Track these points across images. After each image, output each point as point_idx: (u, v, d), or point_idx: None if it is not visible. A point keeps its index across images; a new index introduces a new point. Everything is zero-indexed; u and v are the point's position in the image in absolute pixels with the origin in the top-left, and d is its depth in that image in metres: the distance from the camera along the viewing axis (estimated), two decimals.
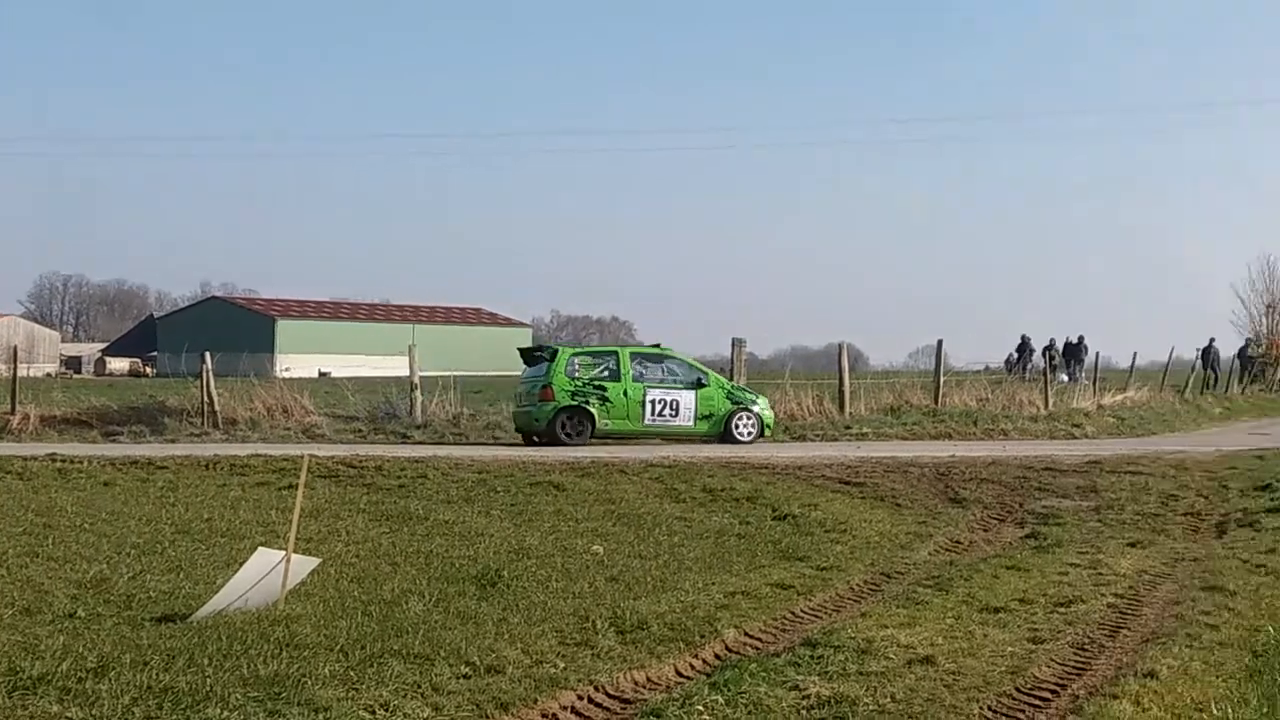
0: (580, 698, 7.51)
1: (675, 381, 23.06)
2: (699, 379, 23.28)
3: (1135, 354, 38.92)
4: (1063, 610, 9.82)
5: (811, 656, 8.16)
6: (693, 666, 8.31)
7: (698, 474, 15.97)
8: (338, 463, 15.57)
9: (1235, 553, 12.27)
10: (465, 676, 7.56)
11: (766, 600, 10.14)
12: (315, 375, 53.93)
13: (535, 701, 7.22)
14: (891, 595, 10.44)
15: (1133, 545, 12.89)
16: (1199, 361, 40.92)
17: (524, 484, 14.95)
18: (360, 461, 15.74)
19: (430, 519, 12.99)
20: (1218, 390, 40.62)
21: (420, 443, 20.91)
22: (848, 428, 24.88)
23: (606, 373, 22.67)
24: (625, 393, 22.45)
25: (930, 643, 8.62)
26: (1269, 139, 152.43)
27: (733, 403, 23.24)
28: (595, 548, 11.91)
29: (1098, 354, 39.22)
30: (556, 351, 23.02)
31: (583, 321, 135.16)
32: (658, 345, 24.59)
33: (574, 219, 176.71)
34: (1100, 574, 11.28)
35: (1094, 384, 33.60)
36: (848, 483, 16.43)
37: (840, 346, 27.86)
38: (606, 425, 22.35)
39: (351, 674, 7.40)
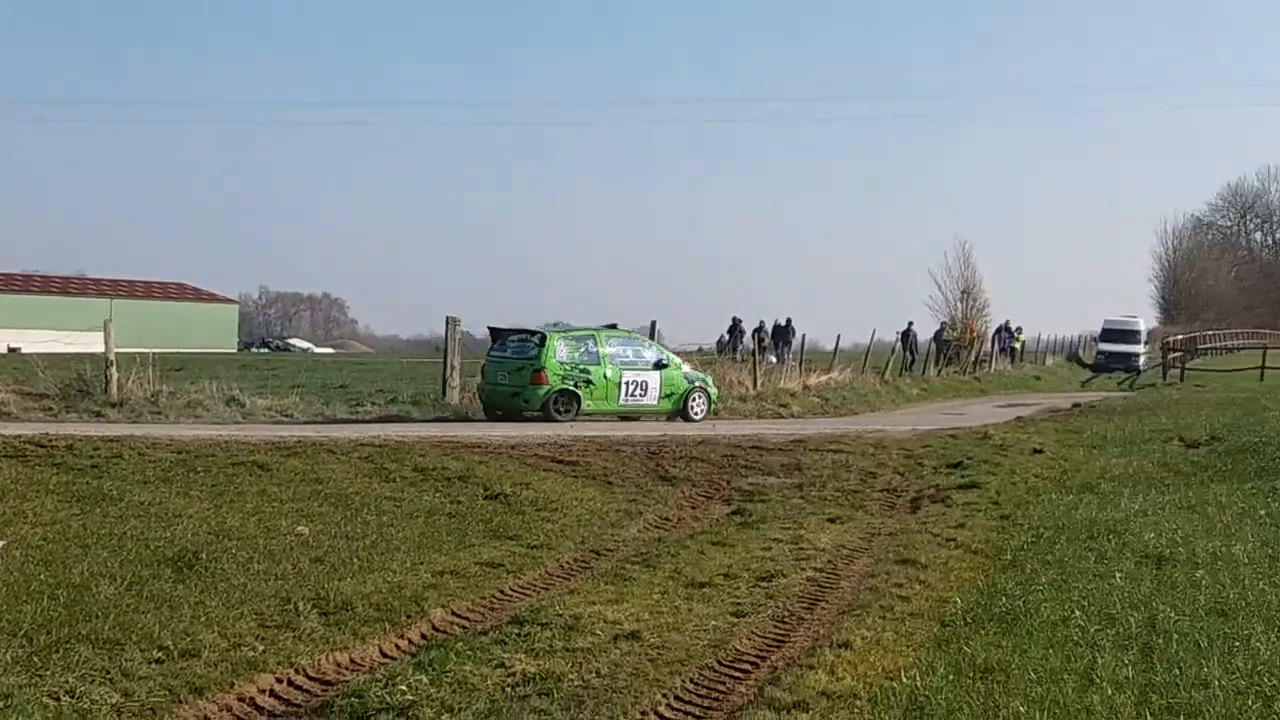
0: (280, 680, 7.34)
1: (644, 363, 24.52)
2: (661, 360, 24.88)
3: (839, 336, 40.28)
4: (765, 584, 10.05)
5: (519, 634, 8.15)
6: (398, 647, 8.21)
7: (409, 453, 15.74)
8: (25, 442, 14.70)
9: (927, 527, 12.78)
10: (158, 661, 7.31)
11: (476, 579, 10.07)
12: (4, 351, 51.32)
13: (232, 685, 7.02)
14: (600, 572, 10.50)
15: (833, 521, 13.29)
16: (899, 344, 42.61)
17: (226, 464, 14.42)
18: (50, 440, 14.91)
19: (125, 500, 12.40)
20: (915, 372, 42.32)
21: (116, 421, 19.99)
22: None
23: (588, 356, 23.69)
24: (605, 375, 23.71)
25: (637, 618, 8.70)
26: (944, 135, 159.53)
27: (689, 382, 25.17)
28: (300, 528, 11.59)
29: (804, 336, 40.35)
30: (545, 336, 23.53)
31: (293, 298, 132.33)
32: (614, 325, 25.29)
33: (288, 193, 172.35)
34: (801, 549, 11.58)
35: (800, 365, 34.62)
36: (560, 461, 16.46)
37: (552, 327, 27.91)
38: (589, 406, 23.56)
39: (35, 660, 7.09)
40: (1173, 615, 8.60)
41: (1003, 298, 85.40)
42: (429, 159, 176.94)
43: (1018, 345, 53.19)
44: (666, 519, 13.72)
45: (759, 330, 42.41)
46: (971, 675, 7.32)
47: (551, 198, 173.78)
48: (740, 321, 43.91)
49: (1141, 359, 59.03)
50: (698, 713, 6.94)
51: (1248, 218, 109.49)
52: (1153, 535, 11.53)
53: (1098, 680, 7.19)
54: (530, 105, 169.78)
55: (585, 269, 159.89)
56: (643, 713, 6.83)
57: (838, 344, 39.84)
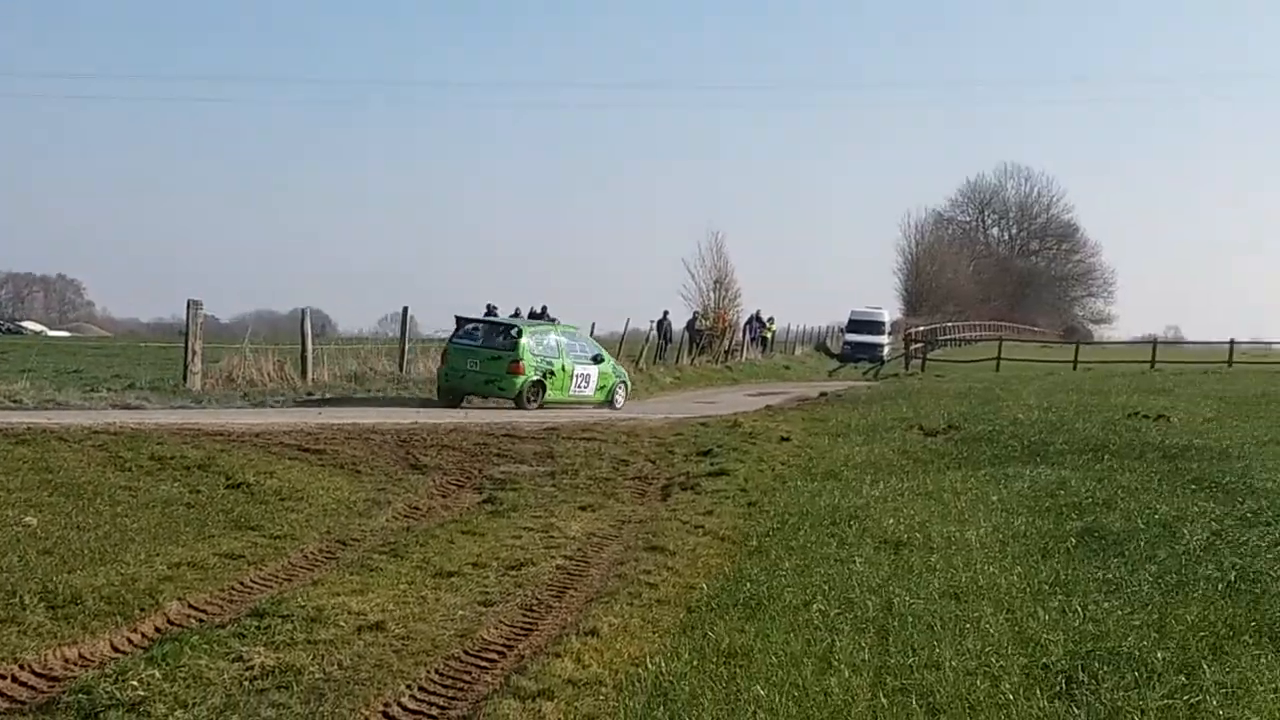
0: (3, 676, 6.97)
1: (587, 358, 26.91)
2: (598, 355, 27.45)
3: (594, 325, 40.47)
4: (514, 573, 10.00)
5: (258, 626, 7.93)
6: (130, 641, 7.89)
7: (146, 441, 15.14)
8: None
9: (677, 514, 12.90)
10: None
11: (215, 571, 9.73)
12: None
13: None
14: (346, 563, 10.28)
15: (584, 509, 13.31)
16: (654, 332, 43.08)
17: None
18: None
19: None
20: (669, 360, 42.84)
21: None
22: (310, 394, 24.46)
23: (550, 349, 25.77)
24: (564, 367, 25.87)
25: (382, 609, 8.57)
26: (700, 125, 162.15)
27: (615, 376, 27.91)
28: (28, 519, 11.02)
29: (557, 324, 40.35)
30: (521, 330, 25.48)
31: (25, 279, 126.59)
32: (555, 321, 28.60)
33: (20, 170, 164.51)
34: (552, 537, 11.57)
35: None
36: (307, 449, 16.06)
37: (303, 312, 27.37)
38: (551, 395, 25.50)
39: None
40: (908, 599, 8.86)
41: (755, 288, 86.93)
42: (169, 136, 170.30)
43: (769, 335, 54.41)
44: (416, 508, 13.52)
45: (514, 317, 42.25)
46: (715, 660, 7.41)
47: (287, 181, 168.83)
48: (495, 309, 43.71)
49: (885, 349, 61.03)
50: (442, 703, 6.85)
51: (985, 213, 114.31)
52: (892, 521, 11.87)
53: (836, 663, 7.36)
54: (262, 81, 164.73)
55: (332, 253, 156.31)
56: (385, 705, 6.72)
57: (592, 332, 40.00)
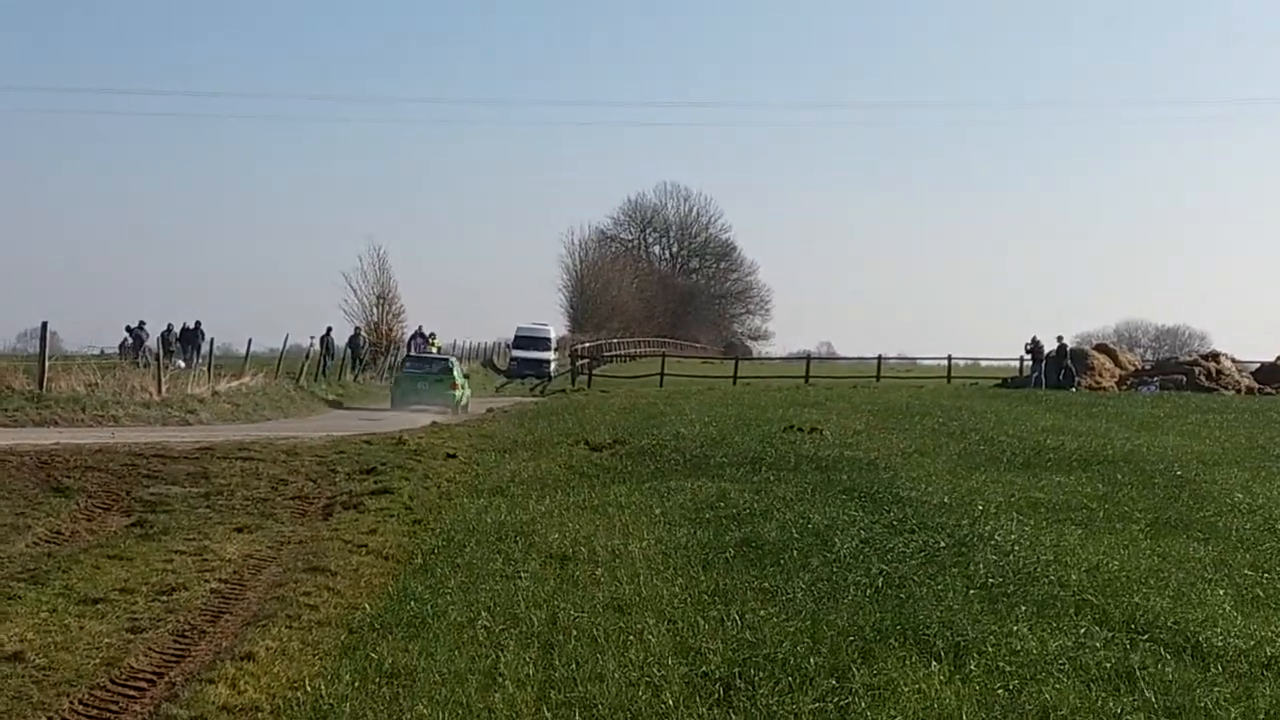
0: None
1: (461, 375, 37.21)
2: (465, 372, 38.72)
3: (251, 340, 39.51)
4: (165, 598, 9.60)
5: None
6: None
7: None
8: None
9: (339, 534, 12.62)
10: None
11: None
12: None
13: None
14: None
15: (240, 530, 12.85)
16: (316, 348, 42.23)
17: None
18: None
19: None
20: (332, 377, 42.05)
21: None
22: None
23: (459, 371, 37.18)
24: (464, 383, 36.31)
25: (21, 638, 8.14)
26: (364, 141, 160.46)
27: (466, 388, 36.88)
28: None
29: (212, 340, 39.08)
30: (451, 361, 38.26)
31: None
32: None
33: None
34: (206, 560, 11.15)
35: (210, 370, 33.51)
36: None
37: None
38: (463, 404, 34.84)
39: None
40: (573, 612, 8.92)
41: (420, 304, 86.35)
42: None
43: (434, 350, 54.12)
44: (59, 532, 12.78)
45: (166, 333, 40.68)
46: (378, 680, 7.28)
47: None
48: (144, 325, 41.99)
49: (552, 365, 61.50)
50: None
51: (647, 231, 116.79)
52: (558, 536, 11.93)
53: (500, 679, 7.32)
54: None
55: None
56: None
57: (250, 348, 38.98)
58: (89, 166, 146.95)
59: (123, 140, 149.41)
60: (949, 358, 51.72)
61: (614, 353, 75.18)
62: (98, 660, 7.82)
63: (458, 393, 34.27)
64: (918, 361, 64.94)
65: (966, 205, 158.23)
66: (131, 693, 7.27)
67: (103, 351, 40.71)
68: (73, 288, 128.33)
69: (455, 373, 35.62)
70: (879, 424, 22.45)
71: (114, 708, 6.99)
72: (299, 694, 7.02)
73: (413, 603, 9.27)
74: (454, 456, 19.18)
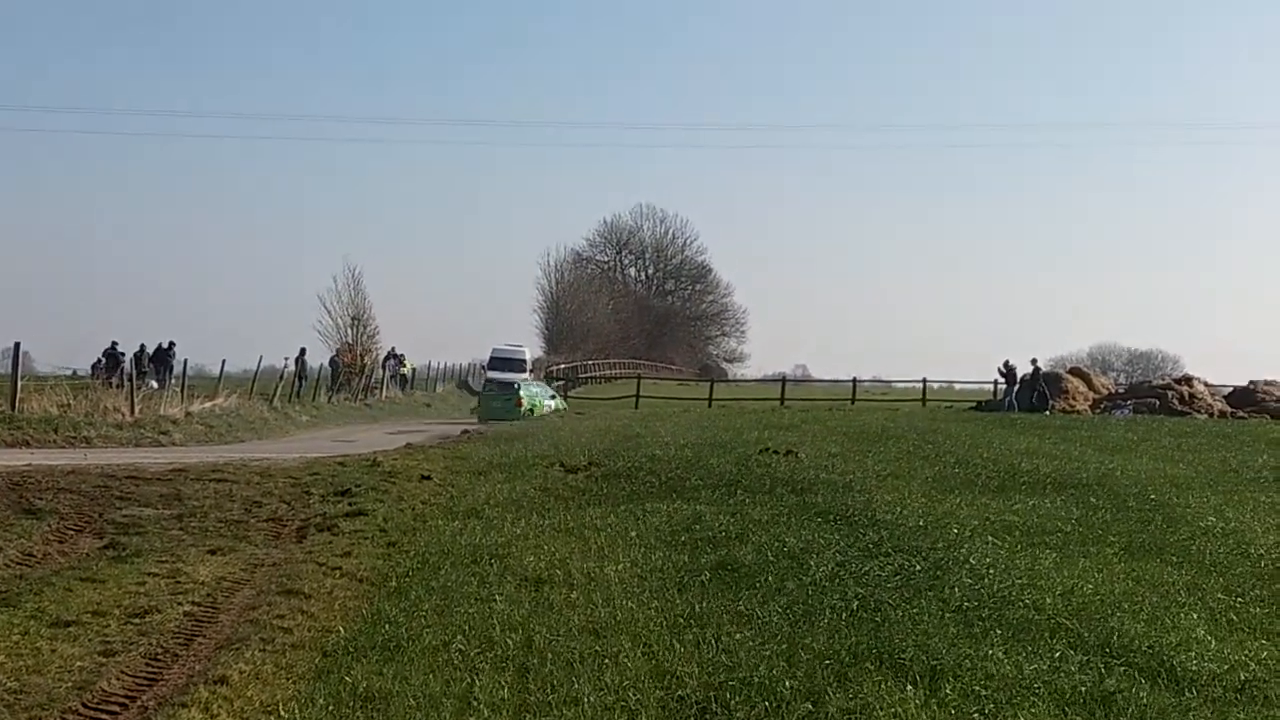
0: None
1: (546, 395, 45.29)
2: (552, 394, 47.16)
3: (225, 361, 39.37)
4: (138, 621, 9.55)
5: None
6: None
7: None
8: None
9: (314, 556, 12.56)
10: None
11: None
12: None
13: None
14: None
15: (214, 553, 12.78)
16: (290, 369, 42.09)
17: None
18: None
19: None
20: (306, 398, 41.92)
21: None
22: None
23: (533, 392, 43.76)
24: (530, 397, 42.78)
25: None
26: (336, 161, 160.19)
27: (547, 398, 45.00)
28: None
29: (185, 361, 38.89)
30: (519, 384, 44.11)
31: None
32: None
33: None
34: (179, 582, 11.08)
35: (184, 391, 33.39)
36: None
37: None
38: (532, 415, 40.48)
39: None
40: (549, 636, 8.88)
41: (393, 325, 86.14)
42: None
43: (406, 371, 53.96)
44: (30, 555, 12.68)
45: (139, 354, 40.45)
46: (352, 704, 7.25)
47: None
48: (117, 345, 41.72)
49: None
50: None
51: (623, 253, 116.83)
52: (533, 558, 11.90)
53: (475, 703, 7.29)
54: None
55: None
56: None
57: (223, 369, 38.85)
58: (62, 186, 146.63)
59: (98, 159, 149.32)
60: (924, 380, 51.97)
61: (590, 374, 75.15)
62: (70, 684, 7.77)
63: (522, 408, 40.95)
64: (893, 384, 65.18)
65: (942, 229, 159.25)
66: (104, 716, 7.24)
67: (75, 373, 40.43)
68: (44, 309, 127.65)
69: (521, 392, 42.68)
70: (854, 447, 22.46)
71: None
72: (273, 718, 6.99)
73: (387, 625, 9.23)
74: (428, 478, 19.10)
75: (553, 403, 44.77)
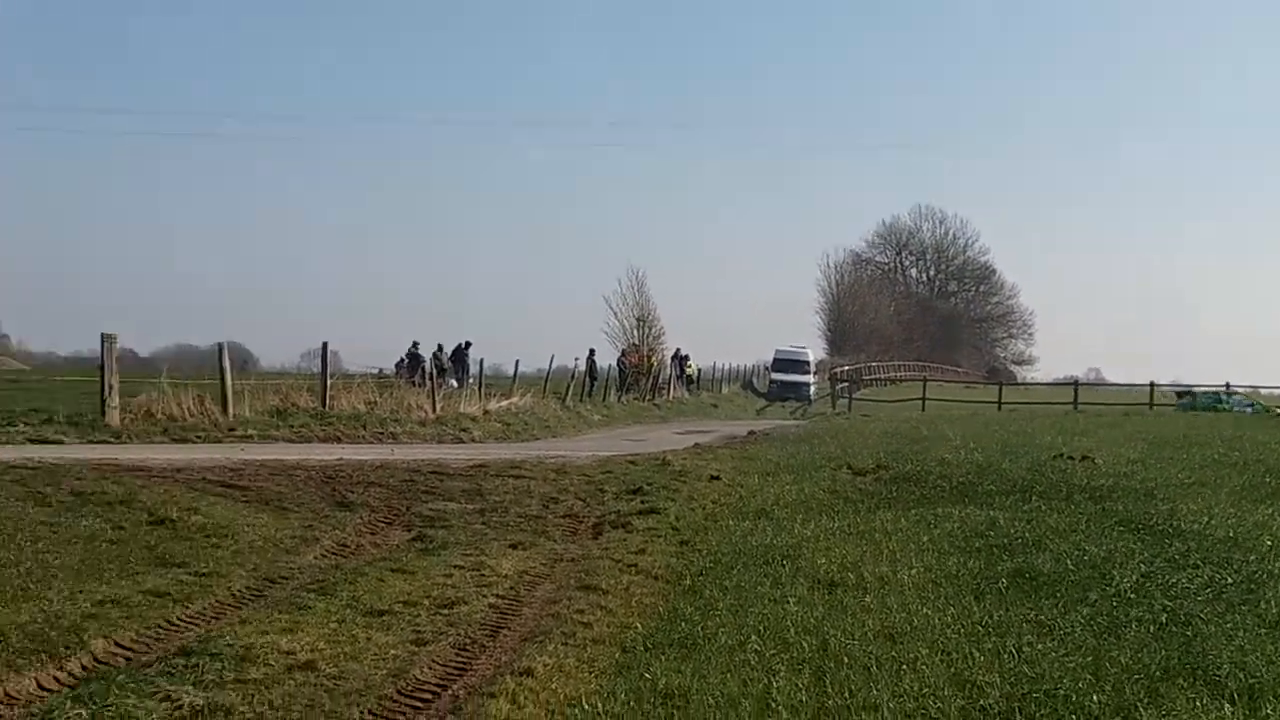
0: None
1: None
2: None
3: (518, 361, 40.50)
4: (446, 611, 9.90)
5: (186, 665, 7.80)
6: (57, 679, 7.74)
7: (65, 476, 14.85)
8: None
9: (609, 553, 12.81)
10: None
11: (140, 608, 9.54)
12: None
13: None
14: (274, 601, 10.12)
15: (515, 547, 13.18)
16: (581, 369, 43.06)
17: None
18: None
19: None
20: (596, 397, 42.78)
21: None
22: (232, 429, 24.07)
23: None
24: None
25: (312, 648, 8.45)
26: (623, 164, 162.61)
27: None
28: None
29: (482, 360, 40.24)
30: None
31: None
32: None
33: None
34: (483, 575, 11.46)
35: (481, 390, 34.49)
36: (231, 485, 15.82)
37: (220, 346, 26.92)
38: None
39: None
40: (844, 639, 8.83)
41: (676, 326, 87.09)
42: (83, 171, 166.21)
43: (690, 371, 54.52)
44: (344, 545, 13.35)
45: (437, 354, 42.01)
46: (652, 700, 7.35)
47: (223, 215, 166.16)
48: (418, 345, 43.47)
49: (811, 388, 61.25)
50: None
51: (903, 254, 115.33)
52: (824, 561, 11.86)
53: (774, 705, 7.31)
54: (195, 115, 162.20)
55: (250, 286, 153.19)
56: None
57: (517, 369, 39.94)
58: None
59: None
60: (1226, 385, 49.57)
61: (873, 376, 74.47)
62: (384, 671, 8.10)
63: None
64: (1192, 389, 62.43)
65: (1245, 228, 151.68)
66: (417, 704, 7.51)
67: (380, 371, 42.28)
68: (351, 310, 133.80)
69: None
70: (1154, 453, 21.61)
71: (400, 717, 7.23)
72: (577, 711, 7.15)
73: (683, 623, 9.34)
74: (717, 478, 19.26)
75: None
